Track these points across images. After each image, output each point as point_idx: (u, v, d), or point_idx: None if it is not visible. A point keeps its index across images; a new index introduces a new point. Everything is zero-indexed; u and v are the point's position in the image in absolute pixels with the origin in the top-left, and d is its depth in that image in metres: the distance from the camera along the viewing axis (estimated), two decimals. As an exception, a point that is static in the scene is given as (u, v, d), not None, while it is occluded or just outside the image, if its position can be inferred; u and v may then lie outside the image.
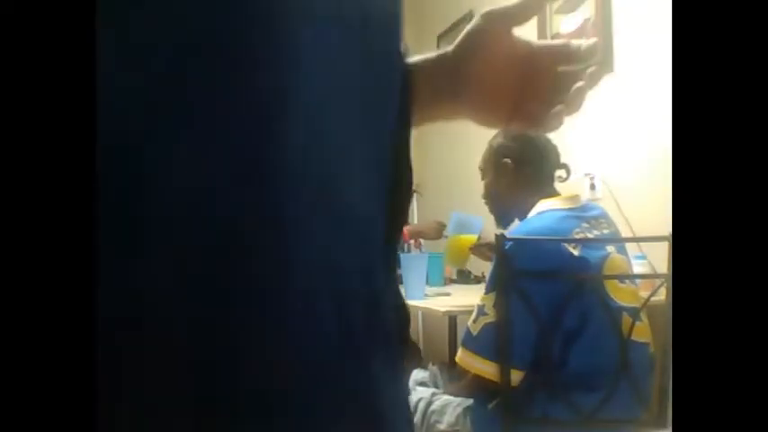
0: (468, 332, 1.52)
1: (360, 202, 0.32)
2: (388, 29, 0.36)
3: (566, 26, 2.44)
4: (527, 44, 0.50)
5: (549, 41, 0.50)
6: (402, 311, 0.36)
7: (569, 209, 1.59)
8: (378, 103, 0.34)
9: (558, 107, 0.48)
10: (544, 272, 1.44)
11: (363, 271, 0.32)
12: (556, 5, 2.48)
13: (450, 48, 0.51)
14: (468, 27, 0.50)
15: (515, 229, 1.61)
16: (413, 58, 0.51)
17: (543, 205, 1.61)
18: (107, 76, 0.25)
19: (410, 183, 0.40)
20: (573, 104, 0.47)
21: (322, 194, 0.30)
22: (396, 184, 0.36)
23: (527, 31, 0.48)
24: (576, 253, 1.46)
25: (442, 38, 3.46)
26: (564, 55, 0.49)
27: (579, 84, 0.47)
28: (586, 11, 2.33)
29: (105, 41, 0.24)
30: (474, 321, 1.51)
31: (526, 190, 1.68)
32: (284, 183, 0.28)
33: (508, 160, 1.70)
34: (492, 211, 1.83)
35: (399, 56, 0.38)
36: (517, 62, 0.50)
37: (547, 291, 1.42)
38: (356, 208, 0.32)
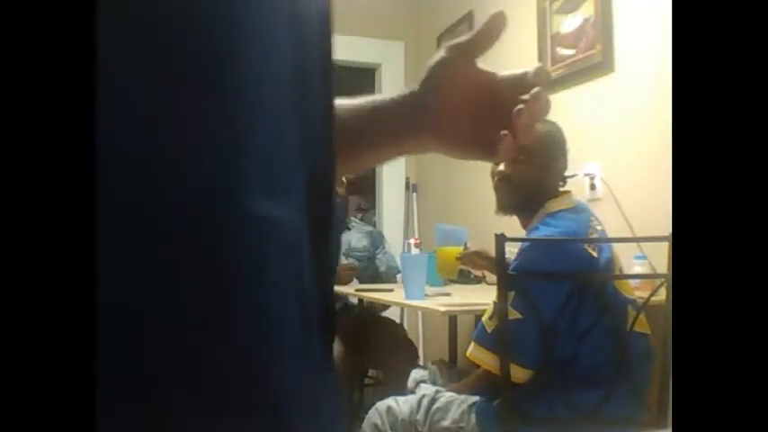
0: (483, 328, 1.53)
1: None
2: (325, 24, 0.39)
3: (566, 26, 2.44)
4: (491, 75, 0.51)
5: (510, 72, 0.51)
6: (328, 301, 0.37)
7: (573, 208, 1.62)
8: (308, 89, 0.36)
9: (508, 137, 0.48)
10: (568, 273, 1.46)
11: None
12: (556, 5, 2.48)
13: (416, 85, 0.52)
14: (433, 61, 0.51)
15: (536, 231, 1.61)
16: (385, 97, 0.54)
17: (552, 205, 1.62)
18: (107, 74, 0.25)
19: (333, 166, 0.41)
20: (523, 133, 0.47)
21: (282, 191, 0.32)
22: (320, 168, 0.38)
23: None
24: (595, 254, 1.49)
25: (442, 38, 3.46)
26: (523, 83, 0.50)
27: (521, 109, 0.47)
28: (586, 11, 2.33)
29: (105, 39, 0.25)
30: (490, 318, 1.52)
31: (555, 184, 1.68)
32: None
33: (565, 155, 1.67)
34: (516, 196, 1.68)
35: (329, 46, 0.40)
36: (480, 93, 0.50)
37: (564, 291, 1.44)
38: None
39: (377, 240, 2.96)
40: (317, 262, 0.35)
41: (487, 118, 0.49)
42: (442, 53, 0.51)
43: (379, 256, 2.90)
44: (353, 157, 0.58)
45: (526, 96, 0.49)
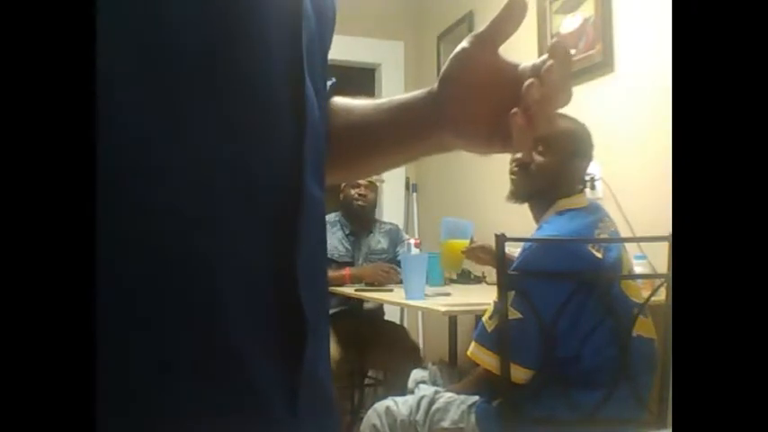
0: (483, 328, 1.52)
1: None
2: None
3: (566, 26, 2.44)
4: (512, 65, 0.49)
5: (532, 62, 0.48)
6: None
7: (584, 208, 1.61)
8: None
9: (517, 116, 0.45)
10: (569, 273, 1.45)
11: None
12: (556, 5, 2.48)
13: (436, 82, 0.51)
14: (455, 51, 0.49)
15: (540, 230, 1.61)
16: (406, 96, 0.53)
17: (563, 204, 1.62)
18: (106, 74, 0.25)
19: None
20: (539, 115, 0.44)
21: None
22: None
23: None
24: (599, 255, 1.47)
25: (441, 38, 3.46)
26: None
27: (532, 83, 0.44)
28: (586, 11, 2.33)
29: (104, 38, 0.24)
30: (490, 318, 1.51)
31: (573, 183, 1.67)
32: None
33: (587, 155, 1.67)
34: (530, 186, 1.67)
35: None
36: (501, 83, 0.48)
37: (565, 291, 1.43)
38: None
39: (395, 238, 2.92)
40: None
41: (508, 109, 0.46)
42: (463, 43, 0.49)
43: (399, 251, 2.84)
44: (375, 157, 0.57)
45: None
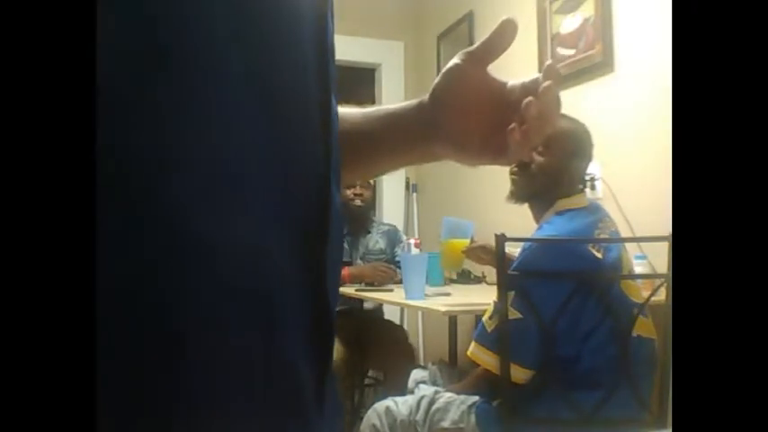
0: (483, 328, 1.53)
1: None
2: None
3: (566, 26, 2.44)
4: (501, 83, 0.52)
5: (521, 80, 0.51)
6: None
7: (584, 208, 1.62)
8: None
9: (515, 131, 0.48)
10: (569, 273, 1.46)
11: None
12: (556, 5, 2.48)
13: (427, 95, 0.53)
14: (447, 66, 0.52)
15: (540, 231, 1.61)
16: (397, 105, 0.55)
17: (563, 204, 1.62)
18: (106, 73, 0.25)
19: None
20: (535, 130, 0.47)
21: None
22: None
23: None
24: (599, 255, 1.48)
25: (441, 38, 3.46)
26: (534, 89, 0.49)
27: (531, 101, 0.47)
28: (586, 11, 2.33)
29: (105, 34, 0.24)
30: (490, 318, 1.51)
31: (573, 183, 1.67)
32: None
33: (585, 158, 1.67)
34: (530, 187, 1.68)
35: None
36: (490, 99, 0.51)
37: (564, 291, 1.43)
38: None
39: (393, 239, 2.92)
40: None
41: (498, 124, 0.49)
42: (455, 60, 0.52)
43: (398, 252, 2.83)
44: (363, 164, 0.58)
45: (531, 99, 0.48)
